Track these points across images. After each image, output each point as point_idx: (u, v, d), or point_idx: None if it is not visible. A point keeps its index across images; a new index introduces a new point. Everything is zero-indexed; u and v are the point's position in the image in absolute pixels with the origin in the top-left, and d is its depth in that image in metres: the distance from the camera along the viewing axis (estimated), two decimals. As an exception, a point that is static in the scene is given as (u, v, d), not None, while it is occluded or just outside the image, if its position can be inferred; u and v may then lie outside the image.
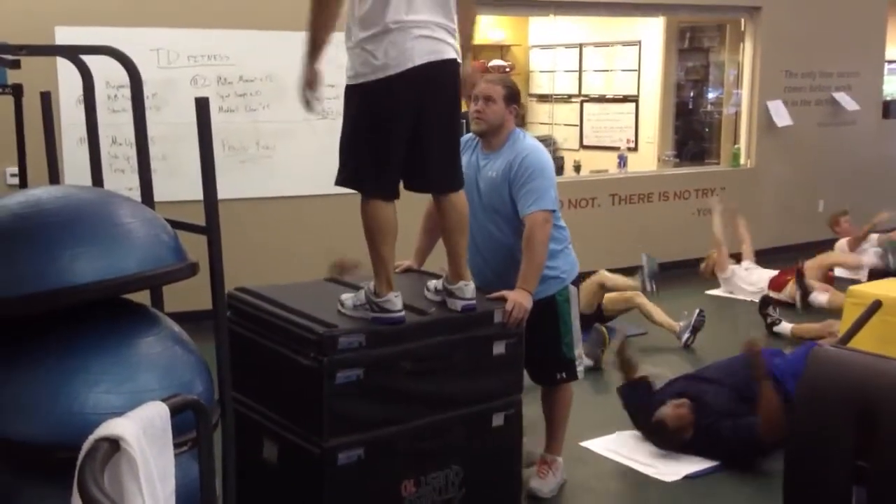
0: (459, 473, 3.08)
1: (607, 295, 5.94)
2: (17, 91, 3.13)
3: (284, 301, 3.10)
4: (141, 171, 2.50)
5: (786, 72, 8.38)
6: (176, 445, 1.78)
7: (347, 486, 2.85)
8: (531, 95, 9.94)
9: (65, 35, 5.40)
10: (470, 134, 3.57)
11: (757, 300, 6.90)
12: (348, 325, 2.90)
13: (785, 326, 6.03)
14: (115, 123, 4.95)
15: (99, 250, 1.96)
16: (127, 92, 2.45)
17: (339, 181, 2.92)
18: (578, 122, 9.54)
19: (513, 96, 3.54)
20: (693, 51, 9.28)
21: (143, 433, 1.64)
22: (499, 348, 3.14)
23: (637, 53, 9.03)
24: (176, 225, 2.23)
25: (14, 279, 1.91)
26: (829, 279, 6.88)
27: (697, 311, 5.78)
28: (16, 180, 3.93)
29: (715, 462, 4.04)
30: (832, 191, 8.53)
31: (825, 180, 8.40)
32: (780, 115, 8.30)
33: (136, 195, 2.43)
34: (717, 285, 7.22)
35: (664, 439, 4.12)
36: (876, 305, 3.53)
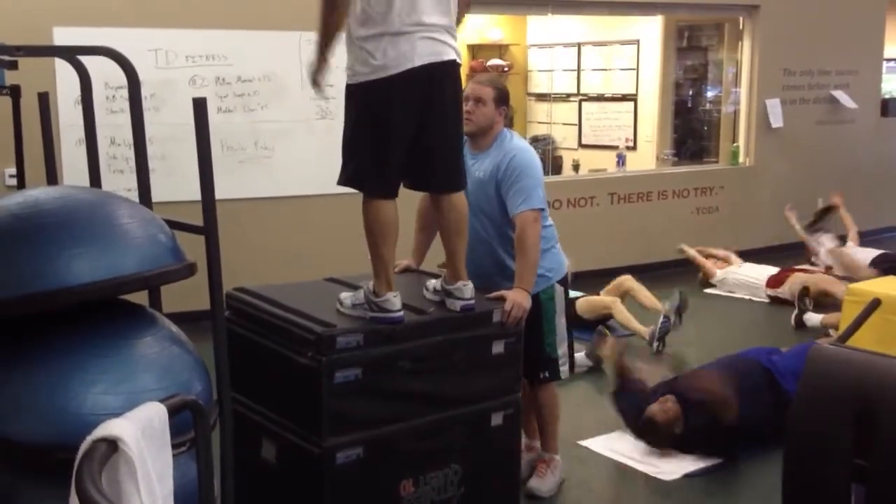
0: (458, 473, 3.08)
1: (584, 299, 5.82)
2: (15, 92, 3.12)
3: (283, 301, 3.09)
4: (139, 172, 2.50)
5: (784, 70, 8.38)
6: (174, 446, 1.77)
7: (346, 485, 2.85)
8: (530, 95, 9.94)
9: (63, 36, 5.39)
10: None
11: (755, 298, 6.91)
12: (347, 324, 2.90)
13: (814, 317, 6.03)
14: (114, 124, 4.96)
15: (97, 251, 1.96)
16: (125, 92, 2.45)
17: (341, 181, 2.93)
18: (577, 122, 9.53)
19: (502, 98, 3.55)
20: (691, 49, 9.28)
21: (141, 434, 1.64)
22: (498, 348, 3.14)
23: (635, 52, 9.04)
24: (174, 225, 2.23)
25: (12, 279, 1.91)
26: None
27: (661, 317, 5.66)
28: (14, 181, 3.94)
29: (715, 460, 4.04)
30: (831, 189, 8.49)
31: (824, 178, 8.40)
32: (775, 115, 8.31)
33: (135, 196, 2.43)
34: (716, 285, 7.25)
35: (657, 436, 4.12)
36: (875, 304, 3.52)
